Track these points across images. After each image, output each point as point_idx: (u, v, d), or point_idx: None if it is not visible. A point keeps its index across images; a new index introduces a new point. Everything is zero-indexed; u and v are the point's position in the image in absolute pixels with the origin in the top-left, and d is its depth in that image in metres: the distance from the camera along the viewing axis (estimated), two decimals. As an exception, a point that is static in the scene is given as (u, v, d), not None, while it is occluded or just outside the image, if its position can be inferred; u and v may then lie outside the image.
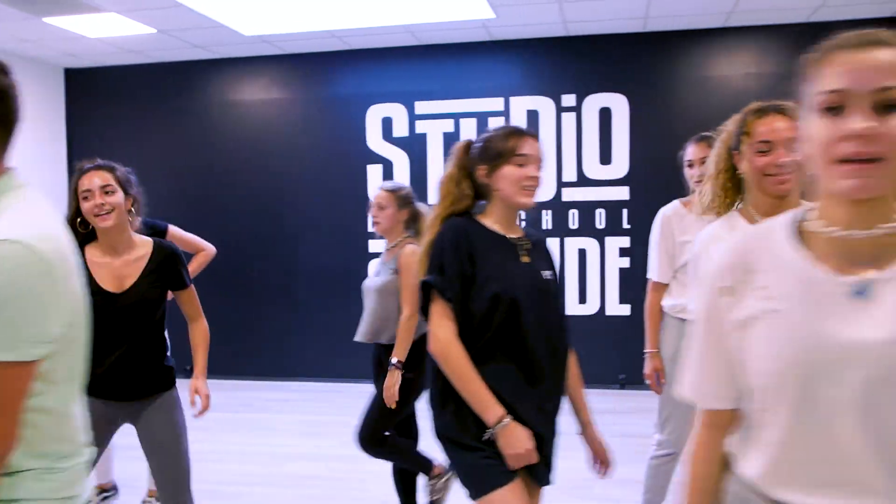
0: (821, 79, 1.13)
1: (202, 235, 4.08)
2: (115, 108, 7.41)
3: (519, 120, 6.66)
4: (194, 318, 2.96)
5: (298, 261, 7.12)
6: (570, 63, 6.59)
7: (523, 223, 2.69)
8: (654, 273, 3.31)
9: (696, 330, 1.32)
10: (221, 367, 7.13)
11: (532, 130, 2.23)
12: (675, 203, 3.35)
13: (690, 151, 3.33)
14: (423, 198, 6.77)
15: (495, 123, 6.68)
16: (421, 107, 6.84)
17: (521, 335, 2.12)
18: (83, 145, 7.45)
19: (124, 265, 2.70)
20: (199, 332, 2.96)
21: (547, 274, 2.26)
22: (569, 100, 6.58)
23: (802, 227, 1.21)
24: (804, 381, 1.14)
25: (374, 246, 6.85)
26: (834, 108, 1.10)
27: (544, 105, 6.62)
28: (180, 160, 7.32)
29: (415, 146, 6.86)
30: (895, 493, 1.10)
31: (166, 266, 2.76)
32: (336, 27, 6.18)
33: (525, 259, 2.21)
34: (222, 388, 6.84)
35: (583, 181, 6.59)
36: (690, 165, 3.33)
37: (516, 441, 2.06)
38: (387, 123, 6.91)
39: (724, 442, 1.34)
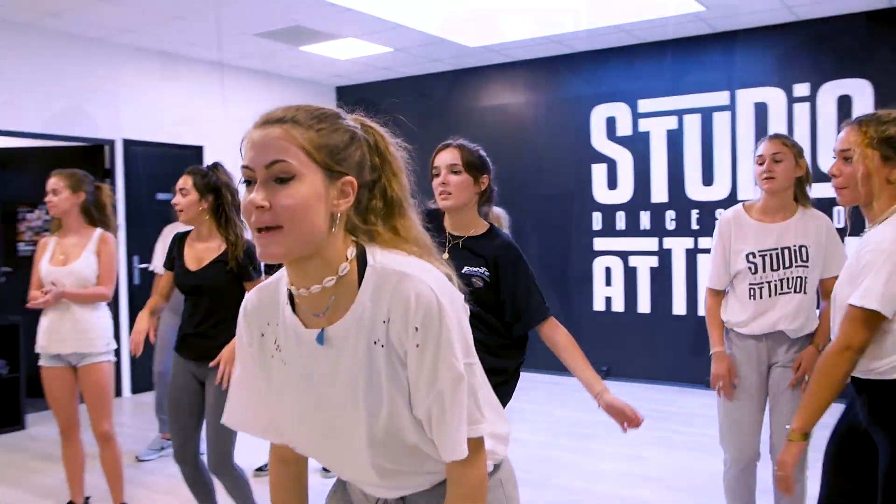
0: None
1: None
2: (374, 119, 8.25)
3: (747, 114, 6.30)
4: None
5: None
6: (801, 50, 6.07)
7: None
8: (709, 280, 3.10)
9: (238, 360, 1.40)
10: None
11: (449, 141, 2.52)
12: (738, 206, 3.07)
13: (762, 147, 2.96)
14: (647, 195, 6.71)
15: (721, 119, 6.40)
16: (644, 105, 6.75)
17: None
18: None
19: (204, 250, 3.19)
20: None
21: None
22: (802, 89, 6.07)
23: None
24: (318, 427, 1.29)
25: (600, 244, 6.92)
26: (248, 182, 1.19)
27: (774, 96, 6.17)
28: (422, 166, 7.93)
29: (638, 144, 6.80)
30: (387, 488, 1.35)
31: (238, 259, 3.11)
32: (553, 32, 6.36)
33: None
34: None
35: (820, 177, 6.01)
36: (761, 162, 2.95)
37: None
38: (611, 123, 6.92)
39: (296, 475, 1.45)
